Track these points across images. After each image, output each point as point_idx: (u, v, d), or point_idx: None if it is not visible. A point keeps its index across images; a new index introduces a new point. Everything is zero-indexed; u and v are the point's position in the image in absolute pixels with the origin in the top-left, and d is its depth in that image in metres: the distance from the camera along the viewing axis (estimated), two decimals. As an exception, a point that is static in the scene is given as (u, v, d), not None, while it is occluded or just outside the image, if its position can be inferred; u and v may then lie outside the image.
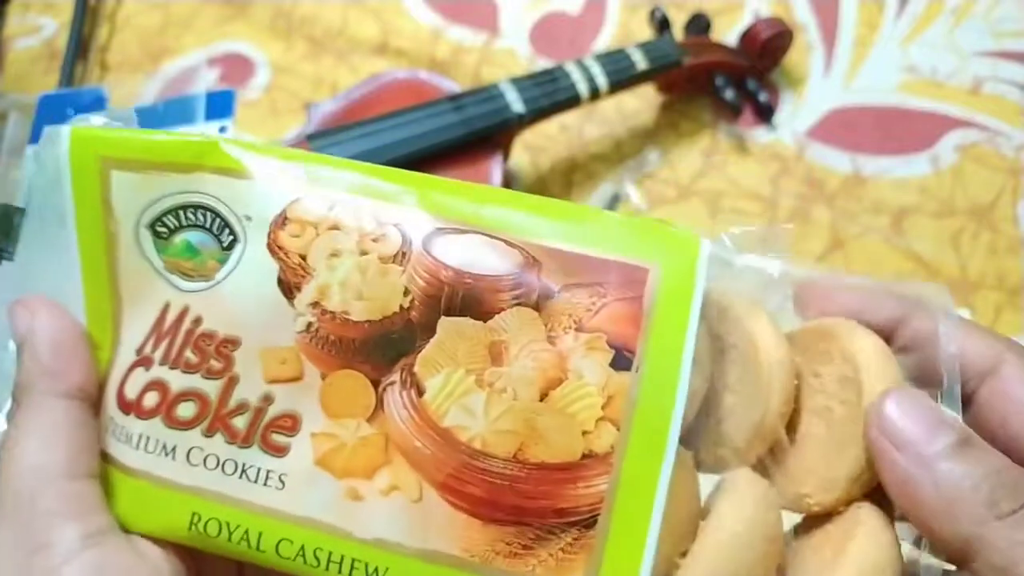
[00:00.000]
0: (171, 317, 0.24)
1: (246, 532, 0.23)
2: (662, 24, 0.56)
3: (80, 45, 0.60)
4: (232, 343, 0.23)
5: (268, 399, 0.23)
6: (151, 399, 0.23)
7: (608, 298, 0.22)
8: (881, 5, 0.61)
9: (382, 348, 0.23)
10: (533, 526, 0.22)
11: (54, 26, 0.62)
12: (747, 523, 0.22)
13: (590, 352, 0.22)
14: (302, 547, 0.22)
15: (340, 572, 0.22)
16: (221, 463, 0.23)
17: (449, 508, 0.22)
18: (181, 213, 0.24)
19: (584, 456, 0.22)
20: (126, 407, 0.24)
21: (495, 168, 0.50)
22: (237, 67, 0.60)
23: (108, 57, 0.61)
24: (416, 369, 0.23)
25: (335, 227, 0.23)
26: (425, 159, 0.49)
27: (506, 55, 0.61)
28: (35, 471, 0.22)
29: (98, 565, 0.22)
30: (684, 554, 0.22)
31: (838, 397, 0.24)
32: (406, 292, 0.23)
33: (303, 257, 0.23)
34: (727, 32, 0.60)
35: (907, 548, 0.23)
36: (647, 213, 0.54)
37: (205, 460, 0.23)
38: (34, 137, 0.45)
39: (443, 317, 0.23)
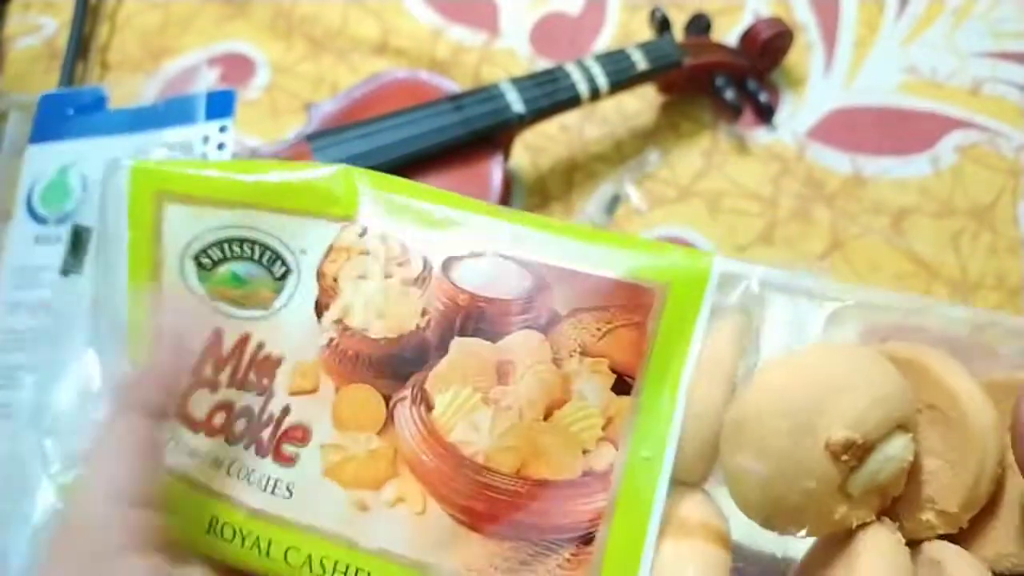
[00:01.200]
0: (230, 342, 0.25)
1: (257, 539, 0.23)
2: (662, 24, 0.56)
3: (80, 45, 0.60)
4: (279, 362, 0.25)
5: (286, 411, 0.24)
6: (219, 419, 0.25)
7: (614, 324, 0.23)
8: (881, 5, 0.61)
9: (396, 365, 0.24)
10: (532, 541, 0.22)
11: (54, 25, 0.62)
12: None
13: (593, 376, 0.23)
14: (309, 555, 0.23)
15: None
16: (248, 472, 0.24)
17: (451, 521, 0.23)
18: (227, 246, 0.25)
19: (584, 474, 0.23)
20: (194, 425, 0.25)
21: (495, 168, 0.50)
22: (237, 67, 0.60)
23: (108, 57, 0.61)
24: (426, 385, 0.23)
25: (364, 252, 0.24)
26: (425, 159, 0.49)
27: (506, 55, 0.61)
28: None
29: None
30: None
31: None
32: (423, 313, 0.24)
33: (335, 280, 0.24)
34: (727, 32, 0.60)
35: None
36: (647, 213, 0.55)
37: (238, 470, 0.24)
38: (34, 136, 0.45)
39: (456, 337, 0.24)
